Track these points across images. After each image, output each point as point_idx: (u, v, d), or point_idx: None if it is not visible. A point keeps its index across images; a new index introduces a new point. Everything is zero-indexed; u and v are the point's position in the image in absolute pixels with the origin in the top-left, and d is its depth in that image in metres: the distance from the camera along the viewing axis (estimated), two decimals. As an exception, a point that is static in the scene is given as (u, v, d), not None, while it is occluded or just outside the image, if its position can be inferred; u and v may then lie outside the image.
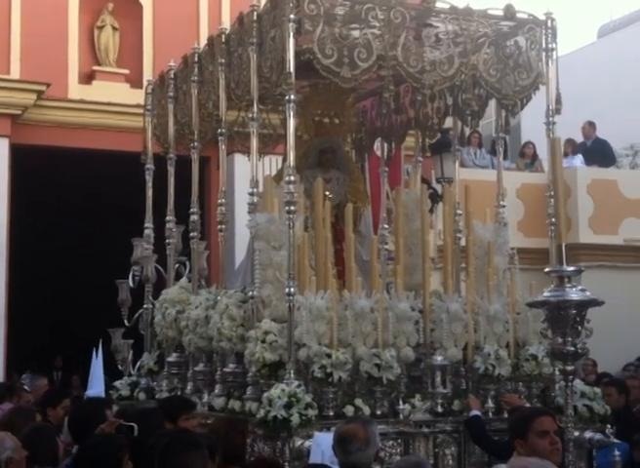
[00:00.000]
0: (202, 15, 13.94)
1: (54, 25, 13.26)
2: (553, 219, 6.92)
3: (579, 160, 14.98)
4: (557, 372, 6.77)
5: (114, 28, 13.87)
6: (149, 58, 13.74)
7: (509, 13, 7.13)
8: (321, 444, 5.59)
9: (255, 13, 6.99)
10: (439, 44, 6.95)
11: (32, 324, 15.28)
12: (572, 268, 3.91)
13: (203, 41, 8.68)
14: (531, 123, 14.47)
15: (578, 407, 6.53)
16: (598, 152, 15.22)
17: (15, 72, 13.06)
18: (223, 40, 7.49)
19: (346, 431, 4.77)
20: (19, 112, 12.86)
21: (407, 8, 6.80)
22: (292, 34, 6.46)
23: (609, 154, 15.57)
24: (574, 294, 3.87)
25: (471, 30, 6.96)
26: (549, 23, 7.18)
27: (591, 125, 15.56)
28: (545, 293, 3.95)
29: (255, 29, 6.94)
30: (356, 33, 6.70)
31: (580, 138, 15.48)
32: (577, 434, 4.61)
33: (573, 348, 3.90)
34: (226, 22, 9.05)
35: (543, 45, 7.15)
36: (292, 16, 6.46)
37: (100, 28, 13.82)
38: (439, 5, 7.01)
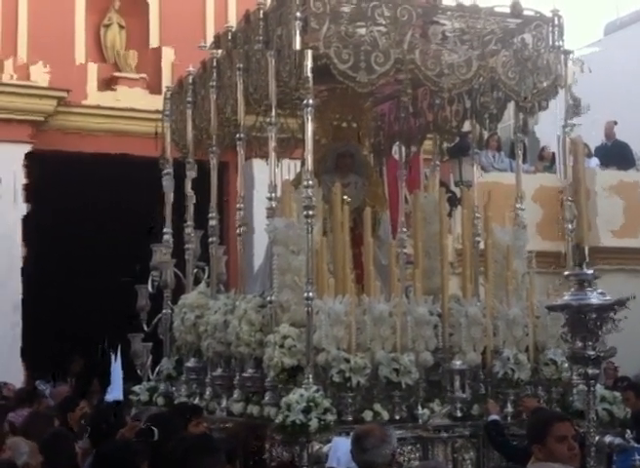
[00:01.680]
0: (208, 12, 13.95)
1: (61, 26, 13.31)
2: (571, 223, 6.90)
3: (594, 162, 14.91)
4: (575, 377, 6.75)
5: (121, 26, 13.91)
6: (168, 64, 13.77)
7: (516, 10, 7.11)
8: (338, 450, 5.58)
9: (261, 11, 7.01)
10: (446, 41, 6.93)
11: (50, 329, 15.33)
12: (591, 272, 3.88)
13: (210, 39, 8.69)
14: (544, 124, 14.41)
15: (597, 411, 6.47)
16: (617, 154, 15.13)
17: (35, 79, 13.12)
18: (230, 38, 7.50)
19: (362, 429, 4.83)
20: (39, 119, 12.93)
21: (413, 5, 6.78)
22: (298, 32, 6.46)
23: (628, 157, 15.48)
24: (594, 298, 3.85)
25: (478, 28, 6.94)
26: (556, 20, 7.16)
27: (615, 124, 15.48)
28: (566, 297, 3.92)
29: (261, 27, 6.96)
30: (362, 31, 6.69)
31: (589, 140, 15.35)
32: (596, 438, 4.57)
33: (594, 352, 3.87)
34: (233, 20, 9.06)
35: (550, 42, 7.12)
36: (298, 14, 6.47)
37: (108, 28, 13.88)
38: (445, 2, 7.00)
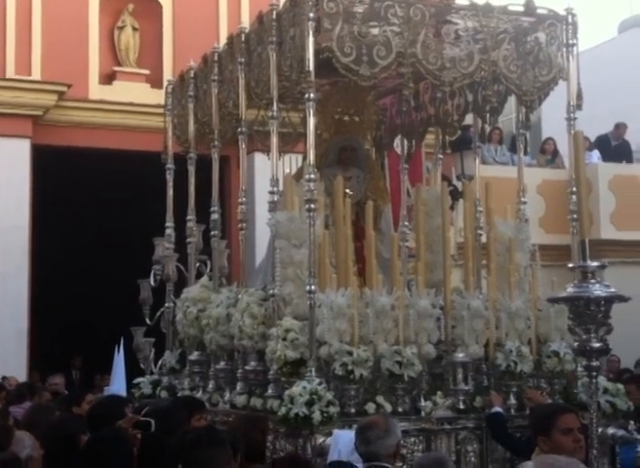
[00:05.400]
0: (221, 14, 13.97)
1: (74, 26, 13.35)
2: (575, 215, 6.90)
3: (595, 156, 14.90)
4: (580, 369, 6.76)
5: (134, 29, 13.93)
6: (169, 58, 13.79)
7: (529, 8, 7.10)
8: (338, 442, 5.60)
9: (274, 12, 7.01)
10: (459, 41, 6.93)
11: (54, 323, 15.36)
12: (596, 263, 3.89)
13: (223, 40, 8.70)
14: (551, 119, 14.39)
15: (600, 403, 6.49)
16: (620, 153, 15.15)
17: (36, 73, 13.14)
18: (243, 39, 7.51)
19: (367, 421, 4.82)
20: (40, 113, 12.94)
21: (426, 5, 6.79)
22: (311, 33, 6.48)
23: (628, 156, 15.49)
24: (598, 290, 3.85)
25: (491, 27, 6.94)
26: (570, 19, 7.15)
27: (626, 127, 15.51)
28: (569, 289, 3.93)
29: (274, 28, 6.95)
30: (375, 31, 6.69)
31: (597, 133, 15.37)
32: (600, 430, 4.59)
33: (597, 344, 3.87)
34: (246, 22, 9.07)
35: (564, 41, 7.12)
36: (311, 14, 6.48)
37: (121, 29, 13.88)
38: (459, 1, 6.99)
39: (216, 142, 8.16)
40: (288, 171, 7.91)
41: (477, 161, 8.37)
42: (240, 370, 7.19)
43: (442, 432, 6.41)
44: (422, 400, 6.47)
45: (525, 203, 7.70)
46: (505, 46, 7.03)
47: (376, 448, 4.59)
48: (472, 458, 6.45)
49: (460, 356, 6.64)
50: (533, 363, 6.78)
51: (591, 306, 3.89)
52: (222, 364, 7.51)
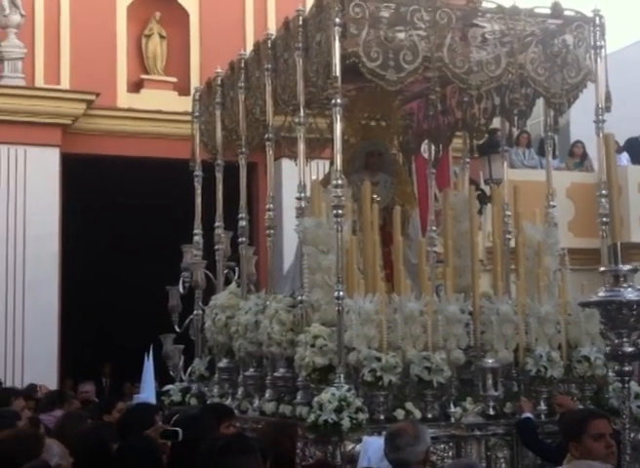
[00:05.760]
0: (248, 21, 14.01)
1: (102, 35, 13.43)
2: (604, 219, 6.84)
3: (625, 159, 14.77)
4: (611, 374, 6.69)
5: (161, 36, 14.00)
6: (196, 66, 13.84)
7: (556, 11, 7.06)
8: (368, 449, 5.58)
9: (300, 17, 7.01)
10: (486, 44, 6.90)
11: (83, 331, 15.46)
12: (628, 267, 3.85)
13: (249, 47, 8.72)
14: (579, 122, 14.31)
15: (632, 408, 6.42)
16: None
17: (64, 82, 13.24)
18: (270, 45, 7.52)
19: (396, 428, 4.79)
20: (69, 122, 13.03)
21: (452, 8, 6.77)
22: (337, 38, 6.47)
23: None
24: (630, 294, 3.81)
25: (518, 29, 6.90)
26: (597, 21, 7.09)
27: None
28: (601, 293, 3.89)
29: (300, 34, 6.96)
30: (402, 35, 6.68)
31: (626, 135, 15.22)
32: (632, 436, 4.54)
33: (630, 349, 3.83)
34: (272, 28, 9.09)
35: (592, 43, 7.06)
36: (337, 19, 6.47)
37: (148, 37, 13.96)
38: (485, 5, 6.96)
39: (243, 149, 8.18)
40: (315, 177, 7.90)
41: (505, 165, 8.33)
42: (269, 377, 7.19)
43: (472, 438, 6.37)
44: (452, 406, 6.44)
45: (554, 206, 7.65)
46: (533, 48, 6.99)
47: (405, 455, 4.56)
48: (503, 465, 6.41)
49: (489, 361, 6.61)
50: (563, 368, 6.73)
51: (623, 310, 3.86)
52: (251, 370, 7.52)
